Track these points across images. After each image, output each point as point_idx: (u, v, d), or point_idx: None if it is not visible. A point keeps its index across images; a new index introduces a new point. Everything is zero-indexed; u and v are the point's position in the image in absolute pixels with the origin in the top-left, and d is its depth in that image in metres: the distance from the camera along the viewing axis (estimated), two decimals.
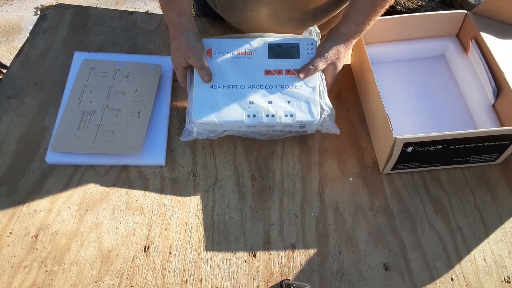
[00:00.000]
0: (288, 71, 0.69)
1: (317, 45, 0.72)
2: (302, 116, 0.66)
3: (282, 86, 0.68)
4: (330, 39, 0.70)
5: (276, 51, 0.71)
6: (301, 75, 0.68)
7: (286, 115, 0.66)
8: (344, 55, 0.71)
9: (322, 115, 0.67)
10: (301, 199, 0.69)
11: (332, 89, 0.83)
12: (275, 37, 0.72)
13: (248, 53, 0.71)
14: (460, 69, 0.79)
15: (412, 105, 0.77)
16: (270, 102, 0.67)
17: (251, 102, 0.67)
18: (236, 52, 0.71)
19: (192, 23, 0.70)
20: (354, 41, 0.71)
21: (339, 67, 0.71)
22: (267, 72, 0.69)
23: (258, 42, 0.71)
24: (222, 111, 0.66)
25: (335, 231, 0.66)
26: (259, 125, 0.67)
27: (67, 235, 0.65)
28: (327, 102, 0.68)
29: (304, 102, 0.67)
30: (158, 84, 0.79)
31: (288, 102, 0.67)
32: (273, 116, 0.66)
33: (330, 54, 0.69)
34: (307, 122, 0.66)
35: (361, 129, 0.77)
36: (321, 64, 0.68)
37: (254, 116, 0.66)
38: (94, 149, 0.70)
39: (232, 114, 0.66)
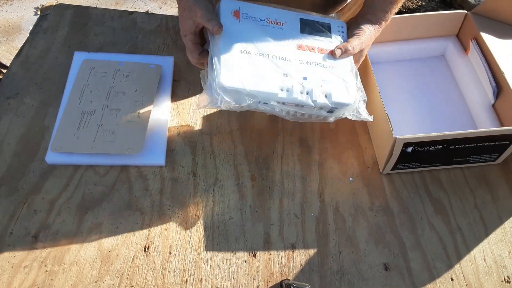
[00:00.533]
0: (321, 49, 0.64)
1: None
2: (338, 97, 0.60)
3: (316, 63, 0.62)
4: (363, 25, 0.66)
5: (308, 26, 0.65)
6: (337, 53, 0.63)
7: (321, 95, 0.60)
8: (371, 43, 0.68)
9: (356, 99, 0.62)
10: (301, 199, 0.69)
11: None
12: (304, 13, 0.67)
13: (279, 23, 0.64)
14: (460, 69, 0.79)
15: (412, 105, 0.77)
16: (304, 78, 0.60)
17: (285, 75, 0.60)
18: (266, 20, 0.64)
19: None
20: (380, 31, 0.68)
21: (365, 54, 0.69)
22: (300, 46, 0.63)
23: (289, 15, 0.66)
24: (253, 79, 0.58)
25: (335, 231, 0.66)
26: (290, 102, 0.60)
27: (67, 235, 0.65)
28: (360, 87, 0.63)
29: (340, 83, 0.61)
30: (158, 84, 0.79)
31: (323, 80, 0.61)
32: (307, 93, 0.59)
33: (365, 39, 0.65)
34: (342, 105, 0.61)
35: (361, 129, 0.77)
36: (357, 48, 0.65)
37: (287, 91, 0.59)
38: (94, 149, 0.70)
39: (264, 85, 0.59)
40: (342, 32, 0.67)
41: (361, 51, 0.66)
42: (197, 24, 0.61)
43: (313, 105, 0.60)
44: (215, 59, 0.59)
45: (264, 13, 0.65)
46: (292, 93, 0.59)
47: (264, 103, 0.60)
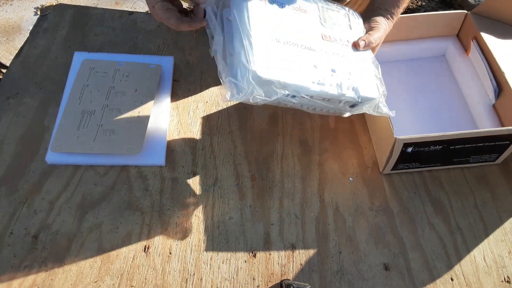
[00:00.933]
0: (343, 41, 0.62)
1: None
2: (365, 91, 0.58)
3: (342, 55, 0.60)
4: (378, 18, 0.65)
5: (328, 16, 0.63)
6: (361, 45, 0.61)
7: (349, 88, 0.57)
8: (383, 39, 0.66)
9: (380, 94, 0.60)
10: (301, 199, 0.69)
11: None
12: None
13: (303, 10, 0.61)
14: (460, 69, 0.79)
15: (412, 105, 0.77)
16: (333, 70, 0.58)
17: (315, 67, 0.57)
18: (291, 6, 0.60)
19: None
20: (392, 26, 0.67)
21: (377, 50, 0.67)
22: (324, 36, 0.60)
23: (307, 2, 0.62)
24: (288, 71, 0.54)
25: (335, 231, 0.66)
26: (319, 95, 0.57)
27: (67, 235, 0.65)
28: (382, 80, 0.61)
29: (365, 76, 0.59)
30: (158, 84, 0.79)
31: (350, 73, 0.58)
32: (337, 85, 0.57)
33: (383, 34, 0.64)
34: (369, 99, 0.59)
35: (361, 129, 0.77)
36: (377, 40, 0.63)
37: (319, 83, 0.56)
38: (94, 149, 0.70)
39: (298, 77, 0.55)
40: (358, 23, 0.65)
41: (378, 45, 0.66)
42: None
43: (342, 99, 0.57)
44: (246, 43, 0.53)
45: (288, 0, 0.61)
46: (324, 86, 0.56)
47: (293, 96, 0.56)
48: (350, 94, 0.57)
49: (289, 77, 0.54)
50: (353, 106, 0.60)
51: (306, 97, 0.56)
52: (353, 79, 0.58)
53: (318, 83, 0.55)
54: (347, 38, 0.62)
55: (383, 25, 0.65)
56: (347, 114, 0.63)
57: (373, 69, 0.61)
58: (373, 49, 0.66)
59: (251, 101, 0.54)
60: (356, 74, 0.59)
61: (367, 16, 0.67)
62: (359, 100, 0.58)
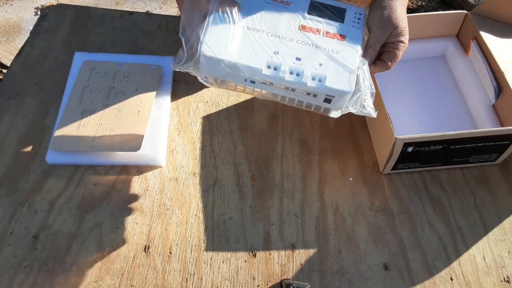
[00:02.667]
0: (327, 33, 0.58)
1: (365, 17, 0.61)
2: (334, 83, 0.54)
3: (317, 46, 0.57)
4: (399, 13, 0.59)
5: (318, 9, 0.60)
6: (389, 63, 0.59)
7: (314, 78, 0.54)
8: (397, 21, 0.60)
9: (360, 90, 0.55)
10: (301, 199, 0.69)
11: None
12: None
13: (286, 2, 0.60)
14: (460, 69, 0.79)
15: (412, 105, 0.77)
16: (298, 59, 0.55)
17: (276, 53, 0.55)
18: None
19: None
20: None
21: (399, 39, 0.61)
22: (303, 27, 0.58)
23: None
24: (238, 52, 0.54)
25: (335, 231, 0.66)
26: (278, 83, 0.55)
27: (68, 235, 0.65)
28: (367, 76, 0.57)
29: (340, 68, 0.55)
30: (158, 84, 0.79)
31: (320, 64, 0.55)
32: (298, 75, 0.54)
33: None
34: (337, 93, 0.54)
35: (361, 129, 0.77)
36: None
37: (275, 69, 0.53)
38: (94, 148, 0.70)
39: (249, 58, 0.53)
40: (359, 19, 0.60)
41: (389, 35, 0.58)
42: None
43: (303, 88, 0.55)
44: (207, 22, 0.55)
45: None
46: (278, 72, 0.53)
47: (251, 81, 0.55)
48: (313, 85, 0.54)
49: (237, 57, 0.53)
50: (328, 101, 0.56)
51: (266, 83, 0.55)
52: (323, 70, 0.55)
53: (274, 68, 0.54)
54: (335, 31, 0.59)
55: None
56: (334, 114, 0.59)
57: (353, 63, 0.56)
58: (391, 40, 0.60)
59: (204, 80, 0.56)
60: (328, 66, 0.55)
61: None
62: (325, 92, 0.55)
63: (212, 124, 0.78)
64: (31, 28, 0.94)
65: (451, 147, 0.66)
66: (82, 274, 0.62)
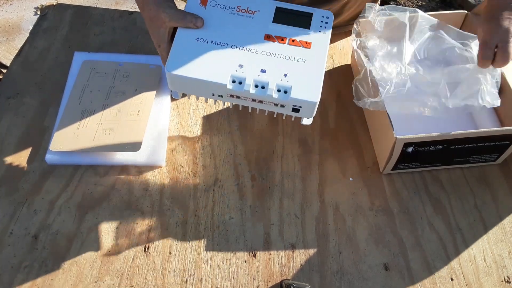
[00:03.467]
0: (293, 41, 0.58)
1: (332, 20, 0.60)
2: (299, 93, 0.54)
3: (282, 56, 0.57)
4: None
5: (283, 16, 0.60)
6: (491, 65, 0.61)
7: (279, 90, 0.54)
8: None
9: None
10: (301, 199, 0.69)
11: (332, 89, 0.83)
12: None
13: (250, 12, 0.60)
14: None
15: None
16: (263, 71, 0.55)
17: (240, 66, 0.55)
18: (236, 8, 0.60)
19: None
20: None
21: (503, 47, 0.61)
22: (268, 37, 0.58)
23: (265, 3, 0.61)
24: (202, 68, 0.55)
25: (335, 231, 0.66)
26: (244, 96, 0.56)
27: (67, 235, 0.65)
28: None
29: (305, 78, 0.55)
30: (158, 84, 0.79)
31: (285, 75, 0.55)
32: (263, 88, 0.54)
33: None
34: (303, 103, 0.54)
35: (361, 129, 0.77)
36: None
37: (240, 83, 0.54)
38: (93, 148, 0.70)
39: (213, 74, 0.54)
40: (326, 22, 0.60)
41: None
42: (169, 30, 0.58)
43: (269, 100, 0.55)
44: (169, 45, 0.57)
45: (236, 1, 0.60)
46: (243, 86, 0.54)
47: (219, 95, 0.56)
48: (279, 96, 0.54)
49: (201, 74, 0.54)
50: (296, 110, 0.56)
51: (233, 96, 0.56)
52: (288, 80, 0.55)
53: (239, 83, 0.54)
54: (300, 38, 0.58)
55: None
56: (304, 121, 0.60)
57: (319, 72, 0.56)
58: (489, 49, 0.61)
59: (180, 96, 0.60)
60: (294, 75, 0.55)
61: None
62: (291, 103, 0.55)
63: (212, 124, 0.77)
64: (30, 28, 0.94)
65: (451, 147, 0.66)
66: (81, 274, 0.61)
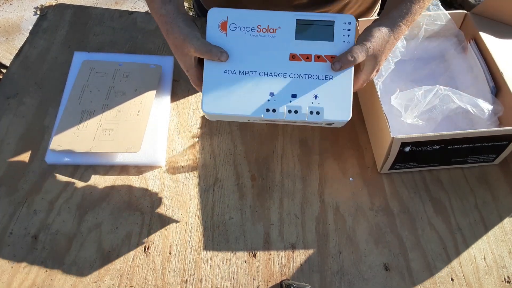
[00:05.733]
0: (319, 57, 0.58)
1: (356, 25, 0.59)
2: (330, 114, 0.56)
3: (310, 76, 0.58)
4: (376, 23, 0.58)
5: (305, 29, 0.59)
6: (336, 67, 0.56)
7: (311, 112, 0.56)
8: (390, 48, 0.58)
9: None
10: (301, 199, 0.69)
11: None
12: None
13: (272, 30, 0.59)
14: (460, 69, 0.79)
15: None
16: (294, 96, 0.57)
17: (272, 94, 0.57)
18: (257, 29, 0.59)
19: (181, 8, 0.59)
20: (404, 30, 0.59)
21: (381, 62, 0.59)
22: (293, 57, 0.58)
23: (284, 17, 0.59)
24: (237, 103, 0.57)
25: (335, 231, 0.66)
26: (279, 121, 0.58)
27: (67, 235, 0.65)
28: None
29: (335, 97, 0.57)
30: (158, 84, 0.79)
31: (316, 96, 0.57)
32: (296, 112, 0.56)
33: (373, 44, 0.56)
34: (336, 122, 0.57)
35: (361, 129, 0.77)
36: (361, 56, 0.56)
37: (274, 111, 0.56)
38: (93, 148, 0.70)
39: (248, 107, 0.56)
40: (349, 30, 0.59)
41: (373, 56, 0.57)
42: (195, 58, 0.58)
43: (303, 122, 0.57)
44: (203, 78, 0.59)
45: (255, 20, 0.59)
46: (277, 115, 0.56)
47: (254, 121, 0.59)
48: (312, 118, 0.56)
49: (236, 110, 0.56)
50: (328, 124, 0.59)
51: (267, 120, 0.58)
52: (319, 102, 0.57)
53: (273, 111, 0.56)
54: (326, 53, 0.58)
55: (375, 36, 0.57)
56: (340, 125, 0.60)
57: (347, 89, 0.57)
58: (369, 64, 0.59)
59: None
60: (324, 96, 0.57)
61: (369, 26, 0.59)
62: (324, 122, 0.57)
63: (212, 124, 0.77)
64: (30, 28, 0.93)
65: (448, 147, 0.66)
66: (81, 275, 0.61)
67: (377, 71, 0.60)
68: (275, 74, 0.58)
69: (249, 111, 0.57)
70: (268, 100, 0.57)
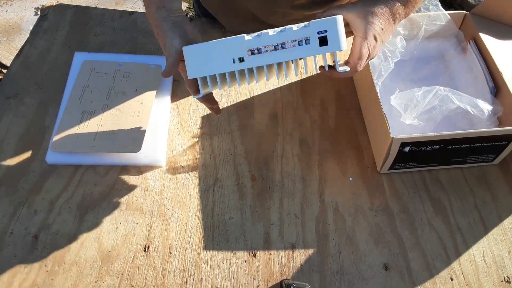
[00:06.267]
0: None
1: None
2: (319, 20, 0.52)
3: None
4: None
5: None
6: (347, 70, 0.56)
7: (298, 26, 0.52)
8: (380, 12, 0.57)
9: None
10: (301, 199, 0.69)
11: (332, 89, 0.83)
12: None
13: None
14: (459, 69, 0.79)
15: None
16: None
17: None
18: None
19: (177, 13, 0.60)
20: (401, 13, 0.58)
21: (374, 25, 0.56)
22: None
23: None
24: (217, 60, 0.55)
25: (335, 231, 0.66)
26: (264, 44, 0.53)
27: (67, 235, 0.65)
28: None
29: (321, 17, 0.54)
30: (158, 84, 0.79)
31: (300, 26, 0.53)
32: (281, 31, 0.52)
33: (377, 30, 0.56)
34: (328, 23, 0.52)
35: (361, 129, 0.77)
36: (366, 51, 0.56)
37: (258, 35, 0.53)
38: (94, 148, 0.70)
39: (229, 38, 0.54)
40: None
41: (364, 18, 0.56)
42: (176, 59, 0.59)
43: (292, 37, 0.52)
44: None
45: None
46: (261, 34, 0.53)
47: (240, 59, 0.54)
48: (296, 28, 0.52)
49: (217, 68, 0.55)
50: (323, 42, 0.53)
51: (254, 53, 0.54)
52: (305, 23, 0.53)
53: (256, 35, 0.53)
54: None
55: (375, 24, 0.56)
56: (340, 69, 0.56)
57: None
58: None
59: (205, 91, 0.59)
60: (309, 23, 0.53)
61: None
62: (315, 29, 0.52)
63: (212, 124, 0.78)
64: (31, 28, 0.94)
65: (448, 147, 0.66)
66: (82, 274, 0.62)
67: (375, 38, 0.57)
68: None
69: (231, 38, 0.54)
70: (251, 36, 0.54)
